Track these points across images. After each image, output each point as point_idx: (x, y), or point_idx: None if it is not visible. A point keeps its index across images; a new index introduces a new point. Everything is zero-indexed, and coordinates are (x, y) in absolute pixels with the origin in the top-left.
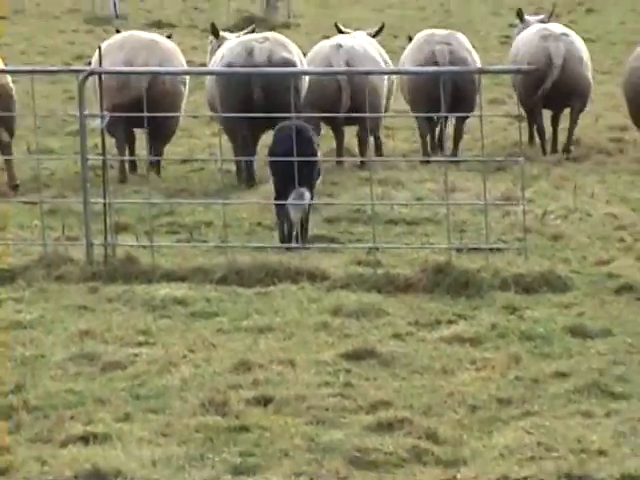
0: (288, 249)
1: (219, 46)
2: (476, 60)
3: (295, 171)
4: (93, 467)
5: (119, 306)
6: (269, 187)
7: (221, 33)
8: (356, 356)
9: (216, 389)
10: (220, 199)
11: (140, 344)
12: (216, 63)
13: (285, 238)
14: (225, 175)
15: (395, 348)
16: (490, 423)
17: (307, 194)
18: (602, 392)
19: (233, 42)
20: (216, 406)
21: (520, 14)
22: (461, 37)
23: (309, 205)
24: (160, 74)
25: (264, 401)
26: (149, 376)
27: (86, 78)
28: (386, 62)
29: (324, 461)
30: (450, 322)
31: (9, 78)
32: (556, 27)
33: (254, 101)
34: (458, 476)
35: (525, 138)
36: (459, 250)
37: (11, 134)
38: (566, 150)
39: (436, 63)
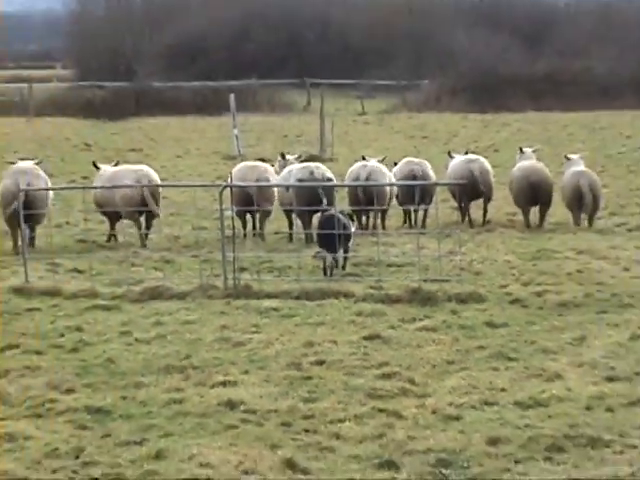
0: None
1: (284, 165)
2: (433, 176)
3: (336, 240)
4: (228, 400)
5: (242, 311)
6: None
7: (287, 156)
8: (370, 338)
9: (294, 356)
10: (296, 254)
11: (253, 332)
12: (285, 177)
13: (326, 272)
14: (298, 241)
15: (391, 333)
16: (443, 374)
17: (341, 251)
18: (503, 357)
19: (298, 165)
20: (294, 366)
21: (449, 153)
22: (426, 163)
23: (345, 258)
24: (263, 185)
25: (320, 362)
26: (258, 349)
27: (224, 189)
28: (389, 177)
29: (353, 395)
30: (420, 320)
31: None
32: (472, 156)
33: (315, 199)
34: (426, 403)
35: (459, 219)
36: (425, 280)
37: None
38: (483, 224)
39: (414, 177)
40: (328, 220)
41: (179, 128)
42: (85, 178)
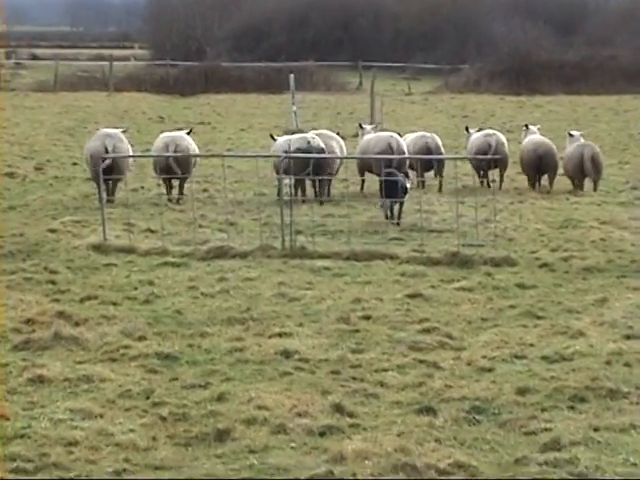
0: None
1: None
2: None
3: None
4: (284, 349)
5: (297, 270)
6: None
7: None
8: (412, 296)
9: (343, 311)
10: (347, 219)
11: (307, 289)
12: (283, 145)
13: (388, 217)
14: (349, 207)
15: (431, 292)
16: (477, 329)
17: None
18: (532, 315)
19: (297, 136)
20: (344, 320)
21: (467, 128)
22: (436, 136)
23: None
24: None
25: (367, 317)
26: (312, 304)
27: (283, 159)
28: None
29: (396, 347)
30: (458, 280)
31: None
32: (490, 130)
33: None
34: (461, 355)
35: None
36: (463, 245)
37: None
38: (500, 188)
39: (428, 149)
40: (390, 176)
41: (244, 104)
42: None
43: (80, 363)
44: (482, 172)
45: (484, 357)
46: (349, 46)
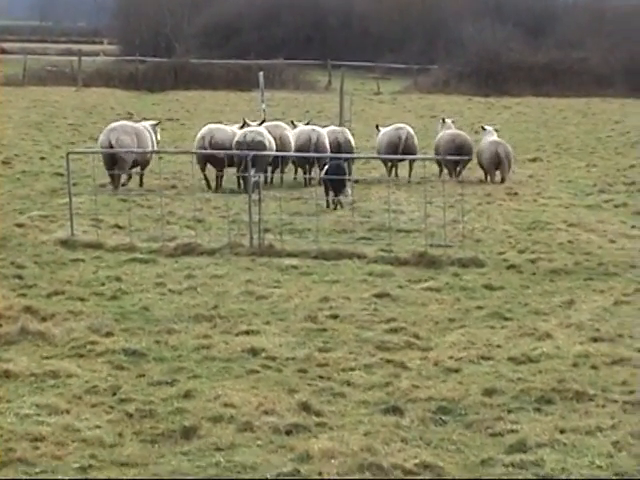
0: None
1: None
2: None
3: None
4: (251, 347)
5: (265, 268)
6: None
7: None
8: (380, 296)
9: (311, 310)
10: (315, 217)
11: (274, 287)
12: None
13: (329, 204)
14: (317, 206)
15: (399, 292)
16: (444, 330)
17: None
18: (499, 316)
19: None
20: (311, 318)
21: (377, 127)
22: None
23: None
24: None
25: (334, 316)
26: (279, 302)
27: (252, 157)
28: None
29: (363, 346)
30: (426, 280)
31: None
32: (400, 124)
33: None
34: (429, 356)
35: (462, 190)
36: (431, 245)
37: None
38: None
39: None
40: (334, 167)
41: (212, 101)
42: None
43: (47, 358)
44: (391, 165)
45: (451, 358)
46: (318, 45)
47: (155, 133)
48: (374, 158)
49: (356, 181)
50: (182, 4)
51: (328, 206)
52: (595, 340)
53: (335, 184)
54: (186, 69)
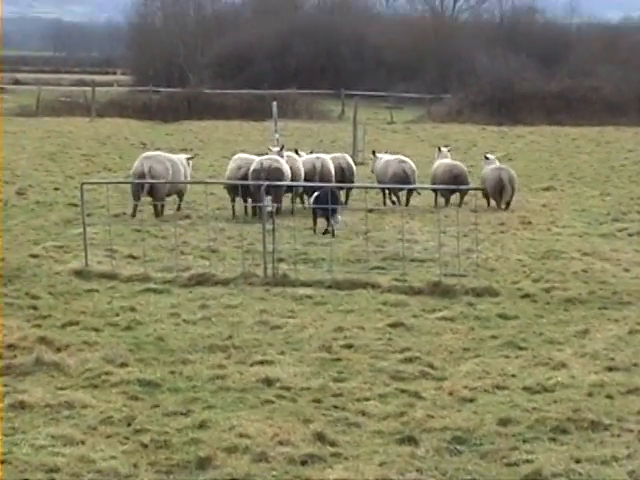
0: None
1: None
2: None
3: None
4: (266, 377)
5: (279, 298)
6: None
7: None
8: (394, 325)
9: (325, 339)
10: (329, 247)
11: (289, 317)
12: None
13: (315, 231)
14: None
15: (413, 321)
16: (459, 360)
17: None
18: (514, 346)
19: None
20: (325, 348)
21: (374, 153)
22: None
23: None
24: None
25: (349, 346)
26: (293, 332)
27: (265, 187)
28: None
29: (378, 376)
30: (440, 310)
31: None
32: (402, 157)
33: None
34: (443, 385)
35: (476, 220)
36: (445, 275)
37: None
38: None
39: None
40: (325, 195)
41: (226, 131)
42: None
43: (61, 389)
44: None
45: (466, 387)
46: (332, 75)
47: (188, 166)
48: (374, 187)
49: (370, 210)
50: (195, 34)
51: (315, 232)
52: (610, 369)
53: (325, 211)
54: (199, 99)
